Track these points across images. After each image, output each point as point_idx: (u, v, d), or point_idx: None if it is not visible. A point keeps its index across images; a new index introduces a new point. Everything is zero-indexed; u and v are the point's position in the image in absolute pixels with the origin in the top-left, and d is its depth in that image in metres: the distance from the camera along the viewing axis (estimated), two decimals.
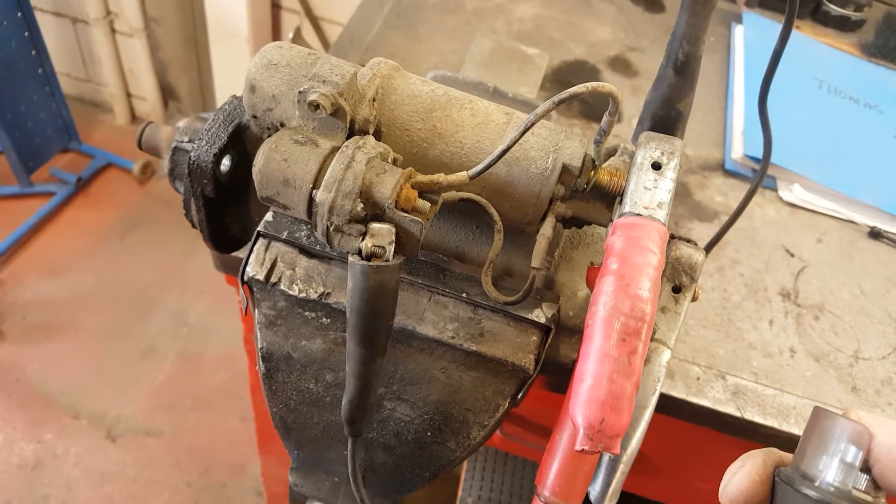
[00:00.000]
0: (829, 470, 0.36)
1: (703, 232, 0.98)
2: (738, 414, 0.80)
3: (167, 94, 2.70)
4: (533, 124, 0.48)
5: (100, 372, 2.11)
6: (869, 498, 0.36)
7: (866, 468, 0.36)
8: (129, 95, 2.73)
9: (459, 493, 1.45)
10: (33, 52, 2.25)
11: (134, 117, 2.80)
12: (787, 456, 0.40)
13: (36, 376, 2.08)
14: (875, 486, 0.37)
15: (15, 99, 2.23)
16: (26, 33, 2.19)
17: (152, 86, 2.61)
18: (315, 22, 2.16)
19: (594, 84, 0.47)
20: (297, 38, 1.29)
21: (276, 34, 2.29)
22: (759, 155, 1.05)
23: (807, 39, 1.31)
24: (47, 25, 2.54)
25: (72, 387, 2.07)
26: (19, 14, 2.13)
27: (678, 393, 0.81)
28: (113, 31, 2.51)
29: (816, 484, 0.36)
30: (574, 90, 0.47)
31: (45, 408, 2.03)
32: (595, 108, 1.10)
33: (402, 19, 1.23)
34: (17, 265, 2.31)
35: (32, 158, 2.40)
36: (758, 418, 0.80)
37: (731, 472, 0.40)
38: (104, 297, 2.28)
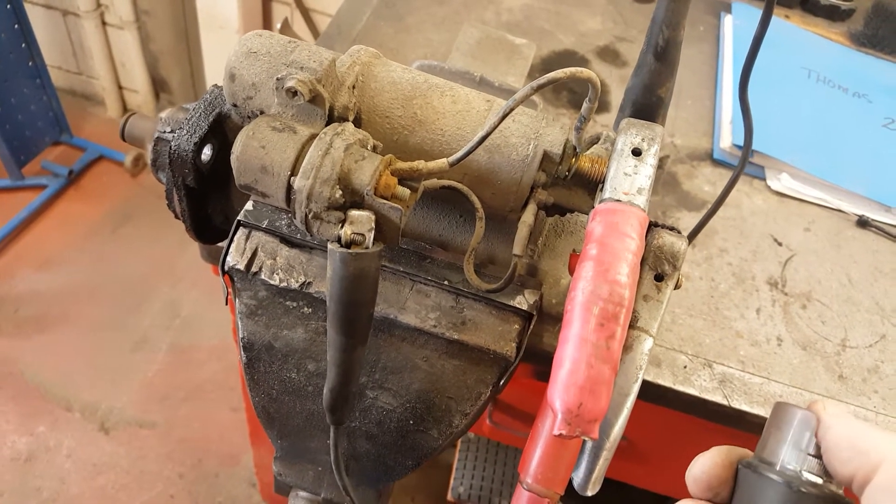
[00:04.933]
0: (784, 455, 0.39)
1: (690, 221, 0.98)
2: (724, 402, 0.81)
3: (158, 86, 2.69)
4: (511, 109, 0.48)
5: (92, 364, 2.11)
6: (819, 480, 0.38)
7: (819, 455, 0.39)
8: (120, 88, 2.72)
9: (451, 481, 1.45)
10: (23, 45, 2.23)
11: (125, 110, 2.78)
12: (751, 453, 0.43)
13: (28, 369, 2.07)
14: (826, 471, 0.39)
15: (5, 92, 2.22)
16: (16, 25, 2.18)
17: (143, 78, 2.60)
18: (306, 13, 2.15)
19: (572, 69, 0.47)
20: (286, 30, 1.29)
21: (267, 25, 2.28)
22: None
23: (796, 29, 1.31)
24: (37, 18, 2.53)
25: (64, 379, 2.07)
26: (9, 6, 2.12)
27: (665, 381, 0.81)
28: (104, 23, 2.49)
29: (775, 467, 0.39)
30: (552, 75, 0.46)
31: (38, 400, 2.02)
32: (583, 97, 1.10)
33: (391, 9, 1.22)
34: (8, 258, 2.30)
35: (23, 151, 2.39)
36: (745, 406, 0.80)
37: (696, 458, 0.43)
38: (96, 289, 2.28)
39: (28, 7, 2.26)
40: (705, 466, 0.42)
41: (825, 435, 0.38)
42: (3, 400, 2.01)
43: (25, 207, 2.38)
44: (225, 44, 2.22)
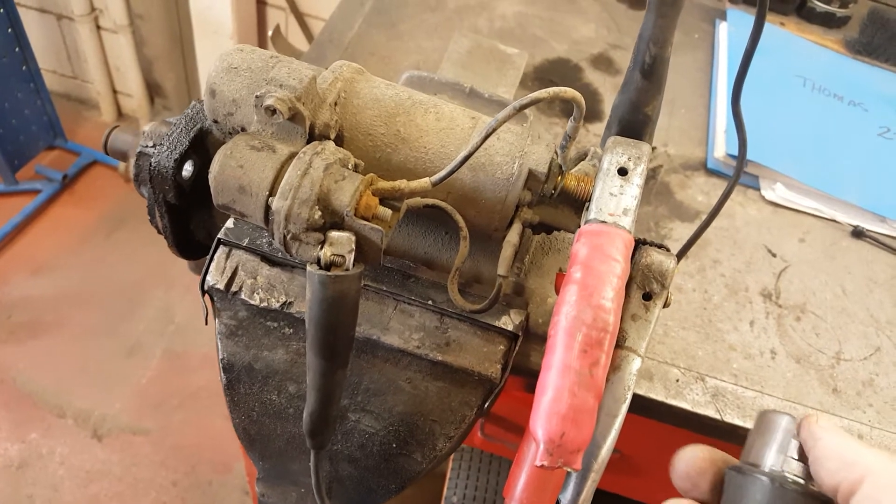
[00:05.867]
0: (769, 458, 0.42)
1: (683, 232, 0.97)
2: (717, 416, 0.80)
3: (153, 90, 2.68)
4: (494, 130, 0.47)
5: (86, 370, 2.10)
6: (801, 481, 0.41)
7: (804, 458, 0.42)
8: (115, 92, 2.71)
9: (444, 491, 1.44)
10: (17, 49, 2.22)
11: (120, 114, 2.77)
12: (734, 458, 0.46)
13: (21, 376, 2.06)
14: (809, 474, 0.42)
15: None
16: (9, 30, 2.17)
17: (138, 82, 2.59)
18: (300, 18, 2.14)
19: (556, 89, 0.46)
20: (277, 36, 1.28)
21: (262, 30, 2.27)
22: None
23: (791, 36, 1.30)
24: (31, 22, 2.52)
25: (57, 386, 2.06)
26: (2, 10, 2.11)
27: (657, 395, 0.80)
28: (98, 27, 2.49)
29: (761, 469, 0.42)
30: (535, 95, 0.45)
31: (31, 407, 2.01)
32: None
33: (383, 17, 1.21)
34: (2, 263, 2.29)
35: (17, 156, 2.38)
36: (738, 420, 0.79)
37: (680, 449, 0.47)
38: (90, 295, 2.26)
39: (22, 11, 2.25)
40: (685, 456, 0.45)
41: (815, 445, 0.40)
42: None
43: (19, 212, 2.37)
44: (219, 48, 2.21)
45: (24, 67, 2.27)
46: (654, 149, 1.07)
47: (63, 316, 2.21)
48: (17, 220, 2.35)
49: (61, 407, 2.02)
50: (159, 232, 0.67)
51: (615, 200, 0.49)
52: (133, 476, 1.93)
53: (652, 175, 1.03)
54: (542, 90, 0.46)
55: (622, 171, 0.50)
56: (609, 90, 1.15)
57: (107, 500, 1.88)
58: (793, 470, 0.41)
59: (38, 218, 2.42)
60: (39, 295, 2.25)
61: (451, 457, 1.45)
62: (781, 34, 1.29)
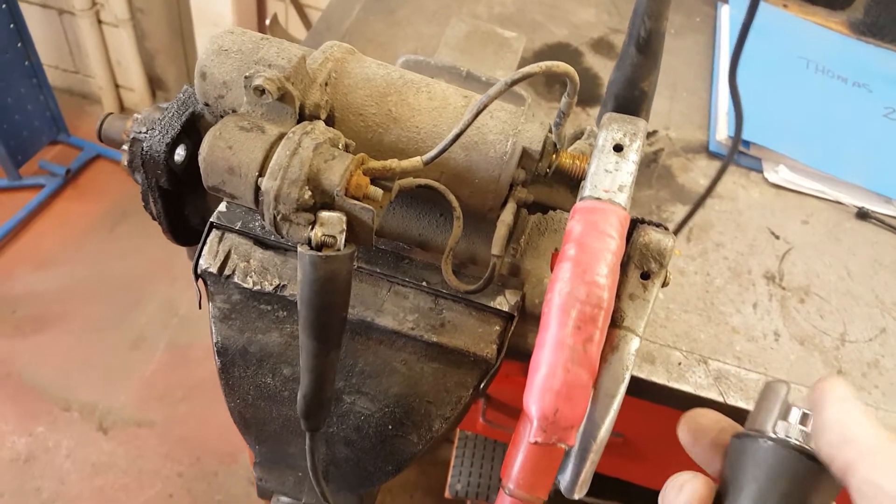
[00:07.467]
0: (770, 424, 0.41)
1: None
2: (720, 399, 0.79)
3: (154, 84, 2.67)
4: (486, 106, 0.46)
5: (90, 364, 2.10)
6: (802, 444, 0.40)
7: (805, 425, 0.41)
8: (116, 86, 2.70)
9: (449, 478, 1.44)
10: (19, 44, 2.22)
11: (122, 108, 2.77)
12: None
13: (26, 369, 2.07)
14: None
15: (2, 91, 2.20)
16: (11, 25, 2.16)
17: (139, 76, 2.58)
18: (300, 9, 2.13)
19: (548, 63, 0.45)
20: (275, 25, 1.27)
21: (261, 22, 2.27)
22: (744, 137, 1.03)
23: (794, 18, 1.29)
24: (33, 17, 2.51)
25: (62, 379, 2.06)
26: (4, 6, 2.10)
27: (659, 378, 0.79)
28: (99, 21, 2.48)
29: (764, 434, 0.41)
30: (526, 70, 0.45)
31: (36, 401, 2.02)
32: (580, 91, 1.08)
33: (381, 3, 1.20)
34: (6, 258, 2.30)
35: (21, 151, 2.38)
36: (741, 403, 0.79)
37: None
38: (94, 288, 2.27)
39: (24, 6, 2.25)
40: (692, 414, 0.46)
41: (820, 412, 0.39)
42: (1, 400, 2.01)
43: (23, 207, 2.37)
44: None
45: (26, 63, 2.26)
46: (654, 132, 1.06)
47: (67, 310, 2.21)
48: (21, 215, 2.35)
49: (67, 400, 2.03)
50: (154, 218, 0.66)
51: (610, 177, 0.48)
52: (138, 468, 1.93)
53: (653, 158, 1.02)
54: (534, 65, 0.45)
55: (618, 148, 0.50)
56: (609, 74, 1.14)
57: (113, 493, 1.89)
58: (795, 435, 0.40)
59: (41, 213, 2.43)
60: (44, 289, 2.25)
61: (455, 444, 1.45)
62: (784, 16, 1.28)
